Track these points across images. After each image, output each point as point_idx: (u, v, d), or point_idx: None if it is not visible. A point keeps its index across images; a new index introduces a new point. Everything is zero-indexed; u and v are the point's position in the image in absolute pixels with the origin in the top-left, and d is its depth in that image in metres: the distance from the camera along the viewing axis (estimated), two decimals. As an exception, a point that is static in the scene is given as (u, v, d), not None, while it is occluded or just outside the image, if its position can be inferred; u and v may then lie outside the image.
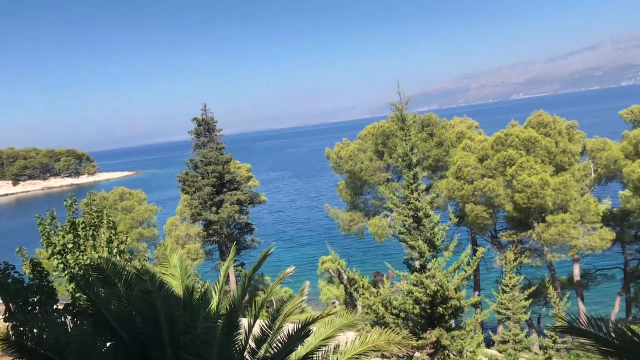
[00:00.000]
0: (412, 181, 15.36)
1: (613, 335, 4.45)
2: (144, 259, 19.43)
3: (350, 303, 33.39)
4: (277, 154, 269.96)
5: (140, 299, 8.07)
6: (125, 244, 11.62)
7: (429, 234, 15.29)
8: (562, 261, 29.34)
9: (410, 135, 15.45)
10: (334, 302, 34.56)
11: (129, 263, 10.91)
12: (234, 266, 35.32)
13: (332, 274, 36.36)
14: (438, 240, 15.37)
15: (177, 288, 9.31)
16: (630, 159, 26.54)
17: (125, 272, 8.56)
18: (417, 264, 15.34)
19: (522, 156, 26.84)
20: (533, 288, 20.27)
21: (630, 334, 4.30)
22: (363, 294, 15.64)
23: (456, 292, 14.61)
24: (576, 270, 29.76)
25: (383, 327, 13.36)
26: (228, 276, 33.86)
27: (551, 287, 19.35)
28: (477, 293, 31.57)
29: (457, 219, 31.58)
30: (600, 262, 34.32)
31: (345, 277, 28.80)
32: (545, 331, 20.05)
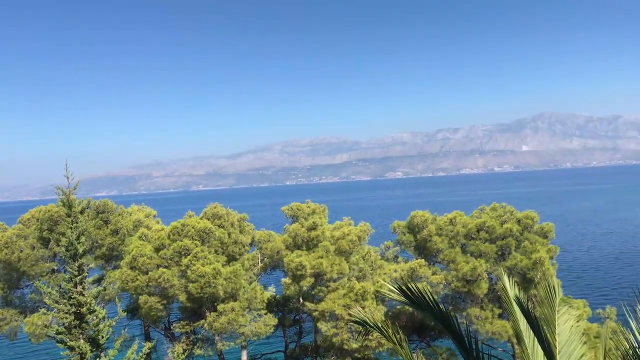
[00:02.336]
0: (76, 273, 13.99)
1: None
2: None
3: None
4: None
5: None
6: None
7: (92, 332, 13.93)
8: (232, 349, 30.41)
9: (77, 223, 14.23)
10: None
11: None
12: None
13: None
14: (103, 337, 14.12)
15: None
16: (290, 250, 29.97)
17: None
18: (76, 367, 13.67)
19: (197, 246, 27.57)
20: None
21: None
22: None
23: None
24: (244, 357, 31.15)
25: None
26: None
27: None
28: (148, 391, 29.90)
29: (127, 313, 30.05)
30: (265, 347, 36.85)
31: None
32: None
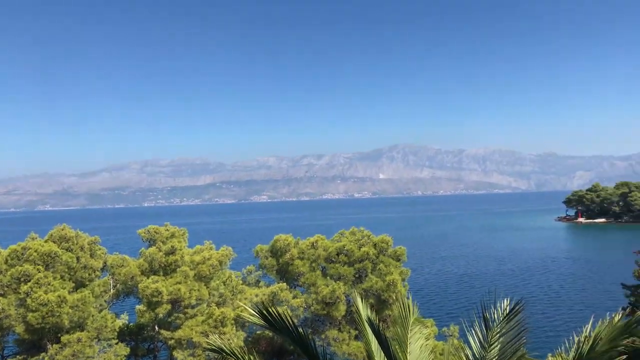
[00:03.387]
0: None
1: None
2: None
3: None
4: None
5: None
6: None
7: None
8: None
9: None
10: None
11: None
12: None
13: None
14: None
15: None
16: (146, 275, 28.46)
17: None
18: None
19: (40, 272, 25.09)
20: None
21: None
22: None
23: None
24: (91, 392, 28.73)
25: None
26: None
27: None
28: None
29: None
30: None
31: None
32: None
